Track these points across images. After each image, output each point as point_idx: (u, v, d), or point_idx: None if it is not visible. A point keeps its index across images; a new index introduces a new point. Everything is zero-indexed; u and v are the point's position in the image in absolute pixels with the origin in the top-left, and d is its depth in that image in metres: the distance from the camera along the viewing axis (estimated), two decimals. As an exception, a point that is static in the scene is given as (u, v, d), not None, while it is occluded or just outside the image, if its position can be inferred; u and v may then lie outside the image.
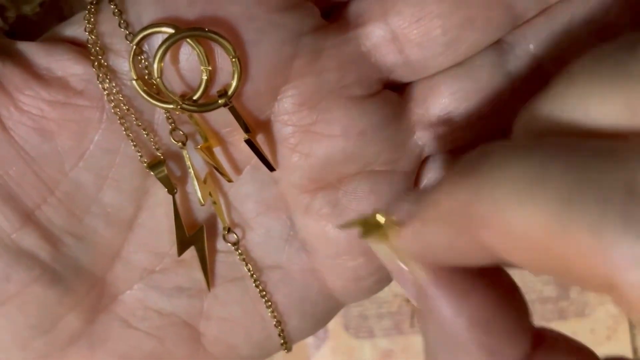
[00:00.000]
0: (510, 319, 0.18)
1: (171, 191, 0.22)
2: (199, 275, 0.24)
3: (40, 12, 0.47)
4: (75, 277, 0.22)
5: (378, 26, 0.21)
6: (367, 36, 0.22)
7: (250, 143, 0.21)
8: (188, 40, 0.20)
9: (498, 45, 0.22)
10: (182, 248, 0.23)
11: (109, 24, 0.21)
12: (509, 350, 0.17)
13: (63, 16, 0.48)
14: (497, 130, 0.22)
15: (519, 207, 0.13)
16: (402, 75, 0.22)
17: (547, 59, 0.22)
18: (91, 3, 0.21)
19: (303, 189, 0.23)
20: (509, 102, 0.22)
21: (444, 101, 0.22)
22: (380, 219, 0.18)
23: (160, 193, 0.23)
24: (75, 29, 0.21)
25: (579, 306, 0.54)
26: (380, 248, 0.18)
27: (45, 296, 0.22)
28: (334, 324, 0.40)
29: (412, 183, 0.24)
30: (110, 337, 0.23)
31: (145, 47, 0.21)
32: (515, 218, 0.13)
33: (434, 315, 0.17)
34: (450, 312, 0.17)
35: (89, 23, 0.20)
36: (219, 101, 0.20)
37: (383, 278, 0.24)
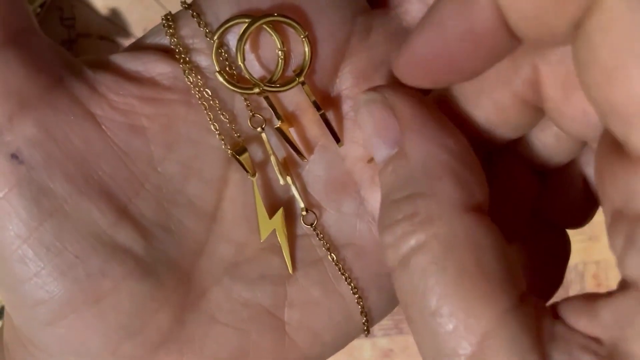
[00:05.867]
0: (476, 162, 0.21)
1: (252, 174, 0.24)
2: (279, 261, 0.25)
3: (40, 12, 0.46)
4: (166, 271, 0.23)
5: (414, 2, 0.25)
6: (406, 12, 0.25)
7: (324, 117, 0.23)
8: (264, 26, 0.21)
9: None
10: (264, 231, 0.24)
11: (188, 28, 0.23)
12: (476, 187, 0.20)
13: (63, 16, 0.47)
14: None
15: None
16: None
17: None
18: (167, 14, 0.23)
19: (368, 161, 0.25)
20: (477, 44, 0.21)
21: None
22: None
23: (239, 183, 0.24)
24: (155, 37, 0.24)
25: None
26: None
27: (138, 290, 0.22)
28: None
29: None
30: (199, 336, 0.24)
31: (226, 41, 0.23)
32: None
33: (411, 153, 0.20)
34: (430, 144, 0.20)
35: (169, 28, 0.23)
36: (297, 79, 0.21)
37: None
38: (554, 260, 0.27)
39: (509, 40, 0.18)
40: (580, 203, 0.26)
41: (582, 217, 0.26)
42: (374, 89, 0.22)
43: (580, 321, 0.18)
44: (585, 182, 0.25)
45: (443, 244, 0.19)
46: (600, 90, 0.16)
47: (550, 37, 0.17)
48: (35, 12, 0.49)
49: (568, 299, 0.19)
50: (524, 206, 0.25)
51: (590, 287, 0.53)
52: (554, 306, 0.19)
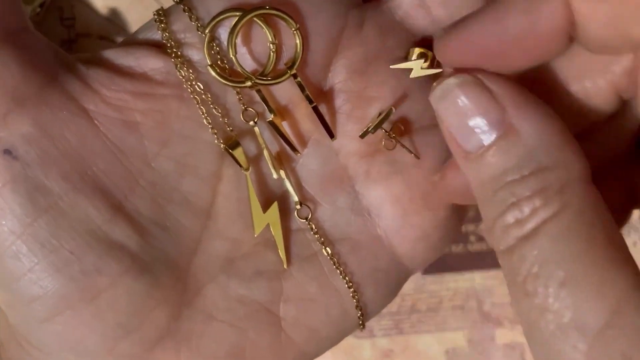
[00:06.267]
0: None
1: (246, 169, 0.24)
2: (274, 256, 0.25)
3: (40, 12, 0.46)
4: (163, 268, 0.23)
5: None
6: (398, 6, 0.25)
7: (317, 110, 0.23)
8: (256, 19, 0.21)
9: None
10: (258, 226, 0.24)
11: (180, 23, 0.23)
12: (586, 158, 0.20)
13: (63, 16, 0.47)
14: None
15: None
16: (432, 32, 0.24)
17: None
18: (159, 10, 0.23)
19: (362, 155, 0.25)
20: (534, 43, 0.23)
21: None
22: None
23: (233, 178, 0.24)
24: (147, 33, 0.24)
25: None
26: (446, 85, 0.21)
27: (135, 288, 0.22)
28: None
29: None
30: (195, 333, 0.24)
31: (217, 35, 0.23)
32: None
33: (524, 130, 0.20)
34: (541, 118, 0.20)
35: (161, 23, 0.23)
36: (289, 71, 0.22)
37: (446, 235, 0.26)
38: None
39: (566, 44, 0.19)
40: (623, 205, 0.26)
41: (622, 219, 0.26)
42: (460, 71, 0.21)
43: None
44: (628, 184, 0.25)
45: (575, 212, 0.19)
46: None
47: (625, 46, 0.18)
48: (35, 12, 0.49)
49: None
50: None
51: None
52: None
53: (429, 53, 0.24)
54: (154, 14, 0.23)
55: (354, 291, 0.25)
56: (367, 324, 0.27)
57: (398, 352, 0.47)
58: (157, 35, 0.23)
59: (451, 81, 0.21)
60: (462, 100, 0.20)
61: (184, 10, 0.23)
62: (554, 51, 0.20)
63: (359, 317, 0.26)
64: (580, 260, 0.18)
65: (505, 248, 0.19)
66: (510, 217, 0.19)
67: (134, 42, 0.24)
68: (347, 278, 0.25)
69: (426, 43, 0.25)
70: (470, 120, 0.20)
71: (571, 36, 0.19)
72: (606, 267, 0.18)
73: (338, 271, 0.25)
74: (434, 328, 0.51)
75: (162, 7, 0.23)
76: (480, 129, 0.20)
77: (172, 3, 0.23)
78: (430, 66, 0.24)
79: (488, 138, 0.20)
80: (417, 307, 0.50)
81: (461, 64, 0.21)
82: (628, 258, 0.18)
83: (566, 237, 0.18)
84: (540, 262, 0.19)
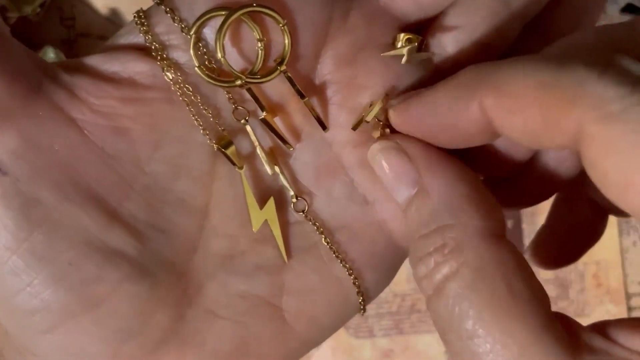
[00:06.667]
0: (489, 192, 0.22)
1: (240, 167, 0.24)
2: (273, 251, 0.25)
3: (40, 12, 0.46)
4: (162, 270, 0.23)
5: None
6: None
7: (309, 104, 0.23)
8: (243, 17, 0.22)
9: None
10: (256, 222, 0.24)
11: (162, 25, 0.23)
12: (495, 214, 0.22)
13: (63, 16, 0.47)
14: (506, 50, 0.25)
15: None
16: (417, 17, 0.24)
17: None
18: (139, 11, 0.23)
19: (355, 144, 0.25)
20: (510, 24, 0.24)
21: (456, 36, 0.24)
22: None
23: (227, 176, 0.24)
24: (128, 37, 0.23)
25: (579, 306, 0.54)
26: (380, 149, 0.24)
27: (135, 292, 0.22)
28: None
29: None
30: (199, 332, 0.24)
31: (203, 35, 0.23)
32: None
33: (431, 190, 0.22)
34: (447, 179, 0.22)
35: (142, 26, 0.23)
36: (278, 68, 0.21)
37: None
38: (584, 236, 0.29)
39: (491, 138, 0.21)
40: (594, 218, 0.28)
41: (599, 227, 0.28)
42: (385, 137, 0.24)
43: (635, 340, 0.19)
44: (592, 199, 0.27)
45: (473, 269, 0.20)
46: (614, 196, 0.18)
47: (545, 147, 0.19)
48: (35, 12, 0.49)
49: (623, 320, 0.20)
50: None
51: (590, 287, 0.54)
52: (600, 325, 0.20)
53: (417, 38, 0.24)
54: (134, 16, 0.23)
55: (355, 278, 0.25)
56: (367, 324, 0.27)
57: (398, 352, 0.46)
58: (139, 38, 0.23)
59: (375, 147, 0.24)
60: (385, 162, 0.23)
61: (166, 12, 0.22)
62: (482, 142, 0.22)
63: (360, 303, 0.26)
64: (482, 316, 0.20)
65: (427, 298, 0.21)
66: (420, 270, 0.21)
67: (116, 46, 0.23)
68: (347, 266, 0.25)
69: (413, 28, 0.25)
70: (394, 179, 0.23)
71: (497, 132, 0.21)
72: (507, 321, 0.19)
73: (338, 260, 0.25)
74: (434, 328, 0.51)
75: (141, 9, 0.23)
76: (403, 186, 0.23)
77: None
78: (419, 50, 0.24)
79: (408, 194, 0.23)
80: (417, 307, 0.50)
81: (402, 128, 0.23)
82: (532, 309, 0.20)
83: (467, 294, 0.20)
84: (448, 317, 0.20)
